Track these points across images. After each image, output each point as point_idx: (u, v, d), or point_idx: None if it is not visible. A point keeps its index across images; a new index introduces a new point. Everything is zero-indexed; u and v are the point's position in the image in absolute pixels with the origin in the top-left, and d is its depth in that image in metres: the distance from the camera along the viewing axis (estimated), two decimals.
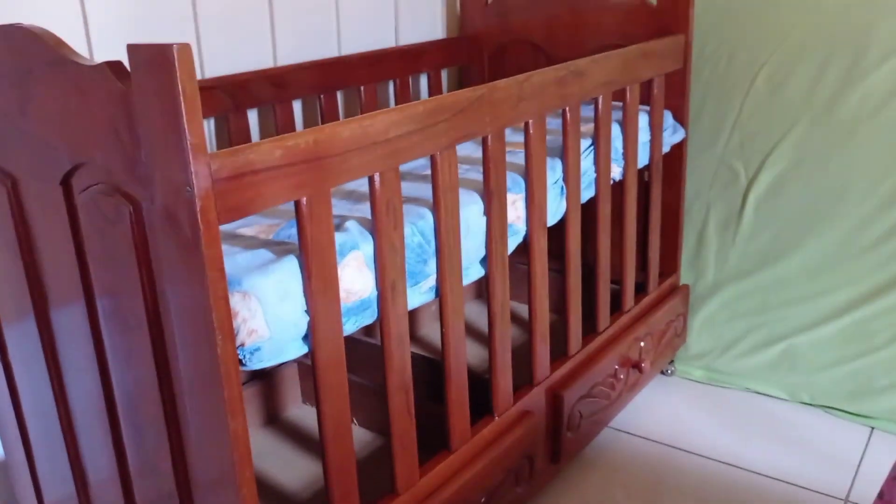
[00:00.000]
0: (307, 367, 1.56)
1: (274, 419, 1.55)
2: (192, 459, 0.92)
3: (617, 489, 1.50)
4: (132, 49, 0.73)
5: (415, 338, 1.76)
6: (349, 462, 1.00)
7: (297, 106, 1.55)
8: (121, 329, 0.91)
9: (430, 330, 1.78)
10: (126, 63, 0.75)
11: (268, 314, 0.87)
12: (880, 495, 0.84)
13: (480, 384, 1.28)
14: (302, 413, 1.57)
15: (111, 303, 0.91)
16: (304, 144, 0.85)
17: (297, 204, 0.87)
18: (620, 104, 1.45)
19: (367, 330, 1.63)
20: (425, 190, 1.13)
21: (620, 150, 1.48)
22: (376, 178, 0.95)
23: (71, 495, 1.12)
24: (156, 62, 0.71)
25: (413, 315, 1.76)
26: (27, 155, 0.92)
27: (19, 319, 1.05)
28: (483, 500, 1.22)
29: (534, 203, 1.25)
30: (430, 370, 1.46)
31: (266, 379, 1.53)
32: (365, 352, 1.54)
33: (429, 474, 1.14)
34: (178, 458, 0.93)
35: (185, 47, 0.71)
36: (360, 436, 1.47)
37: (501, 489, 1.26)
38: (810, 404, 1.73)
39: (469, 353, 1.53)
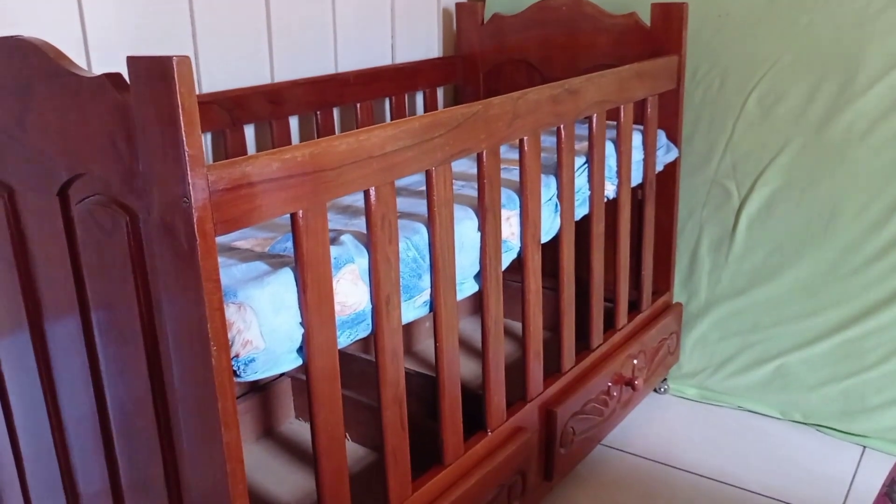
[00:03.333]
0: (301, 383, 1.56)
1: (267, 434, 1.54)
2: (184, 472, 0.91)
3: None
4: (132, 61, 0.74)
5: (410, 353, 1.76)
6: (342, 474, 1.00)
7: (293, 122, 1.56)
8: (115, 341, 0.91)
9: (426, 346, 1.79)
10: (125, 75, 0.76)
11: (263, 326, 0.87)
12: None
13: (474, 400, 1.28)
14: (295, 428, 1.56)
15: (106, 314, 0.91)
16: (301, 157, 0.86)
17: (294, 216, 0.87)
18: (614, 123, 1.47)
19: (364, 346, 1.64)
20: (420, 206, 1.14)
21: (614, 168, 1.49)
22: (372, 192, 0.96)
23: None
24: (155, 74, 0.72)
25: (408, 330, 1.76)
26: (24, 166, 0.92)
27: (13, 331, 1.05)
28: None
29: (528, 220, 1.26)
30: (424, 386, 1.46)
31: (259, 394, 1.53)
32: (360, 368, 1.54)
33: (421, 489, 1.14)
34: (170, 471, 0.93)
35: (185, 60, 0.72)
36: (354, 451, 1.47)
37: None
38: (802, 423, 1.74)
39: (463, 369, 1.53)
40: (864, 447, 1.65)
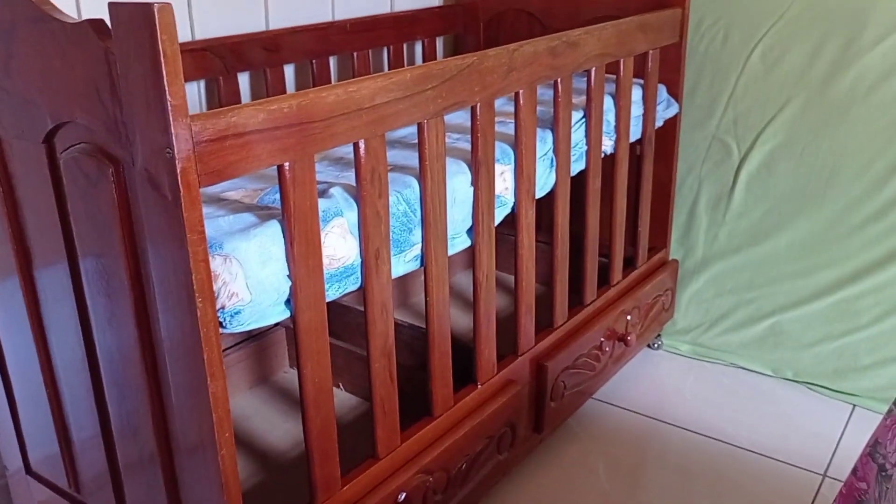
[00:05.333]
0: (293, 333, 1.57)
1: (261, 383, 1.56)
2: (173, 421, 0.92)
3: (599, 459, 1.52)
4: (113, 7, 0.72)
5: (406, 305, 1.76)
6: (329, 425, 1.01)
7: (289, 70, 1.54)
8: (103, 290, 0.91)
9: (422, 298, 1.79)
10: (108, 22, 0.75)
11: (249, 278, 0.87)
12: (854, 471, 0.85)
13: (465, 353, 1.29)
14: (289, 377, 1.58)
15: (94, 263, 0.91)
16: (288, 109, 0.85)
17: (280, 169, 0.87)
18: (614, 77, 1.44)
19: (358, 298, 1.64)
20: (413, 159, 1.13)
21: (613, 123, 1.47)
22: (361, 145, 0.95)
23: (55, 454, 1.13)
24: (136, 21, 0.71)
25: (404, 283, 1.77)
26: (10, 113, 0.91)
27: (3, 279, 1.05)
28: (464, 466, 1.23)
29: (522, 175, 1.25)
30: (416, 338, 1.47)
31: (254, 343, 1.54)
32: (354, 319, 1.54)
33: (410, 440, 1.15)
34: (159, 419, 0.94)
35: (167, 7, 0.70)
36: (346, 400, 1.49)
37: (483, 456, 1.28)
38: (794, 381, 1.75)
39: (456, 323, 1.54)
40: (854, 406, 1.66)
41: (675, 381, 1.77)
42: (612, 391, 1.71)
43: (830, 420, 1.63)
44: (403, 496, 1.12)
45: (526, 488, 1.44)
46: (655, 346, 1.88)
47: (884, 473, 0.84)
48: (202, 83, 1.41)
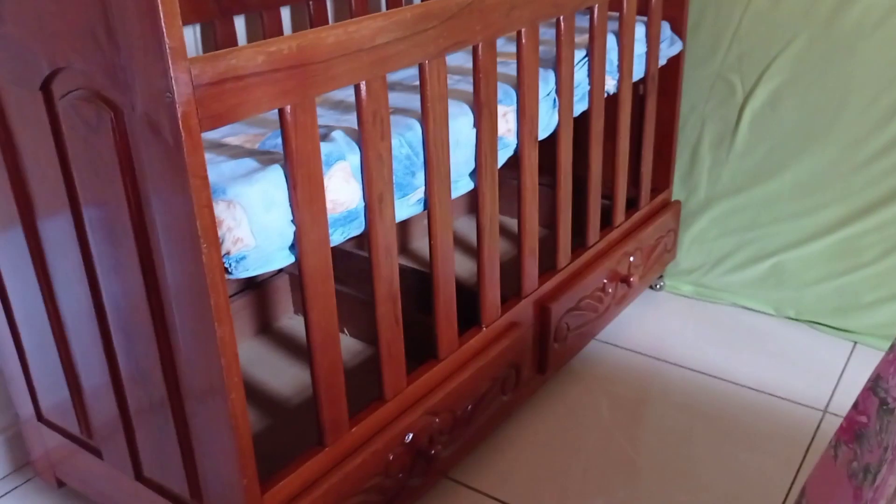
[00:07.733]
0: (298, 278, 1.57)
1: (266, 329, 1.57)
2: (181, 366, 0.93)
3: (602, 398, 1.54)
4: None
5: (407, 250, 1.77)
6: (337, 369, 1.02)
7: (285, 13, 1.51)
8: (107, 238, 0.91)
9: (424, 243, 1.79)
10: None
11: (253, 223, 0.87)
12: (855, 405, 0.86)
13: (469, 296, 1.29)
14: (293, 323, 1.59)
15: (97, 211, 0.90)
16: (288, 50, 0.83)
17: (282, 112, 0.86)
18: (617, 14, 1.42)
19: (360, 243, 1.64)
20: (415, 101, 1.11)
21: (615, 61, 1.45)
22: (362, 86, 0.94)
23: (66, 401, 1.14)
24: None
25: (405, 227, 1.76)
26: (5, 59, 0.90)
27: (6, 228, 1.04)
28: (469, 407, 1.25)
29: (525, 116, 1.23)
30: (420, 282, 1.47)
31: (257, 290, 1.55)
32: (356, 264, 1.54)
33: (416, 382, 1.16)
34: (168, 365, 0.95)
35: None
36: (351, 346, 1.50)
37: (488, 397, 1.29)
38: (796, 319, 1.76)
39: (459, 266, 1.54)
40: (855, 343, 1.68)
41: (677, 322, 1.78)
42: (615, 332, 1.72)
43: (832, 357, 1.64)
44: (410, 437, 1.14)
45: (530, 428, 1.46)
46: (658, 286, 1.88)
47: (885, 407, 0.85)
48: (197, 27, 1.39)
